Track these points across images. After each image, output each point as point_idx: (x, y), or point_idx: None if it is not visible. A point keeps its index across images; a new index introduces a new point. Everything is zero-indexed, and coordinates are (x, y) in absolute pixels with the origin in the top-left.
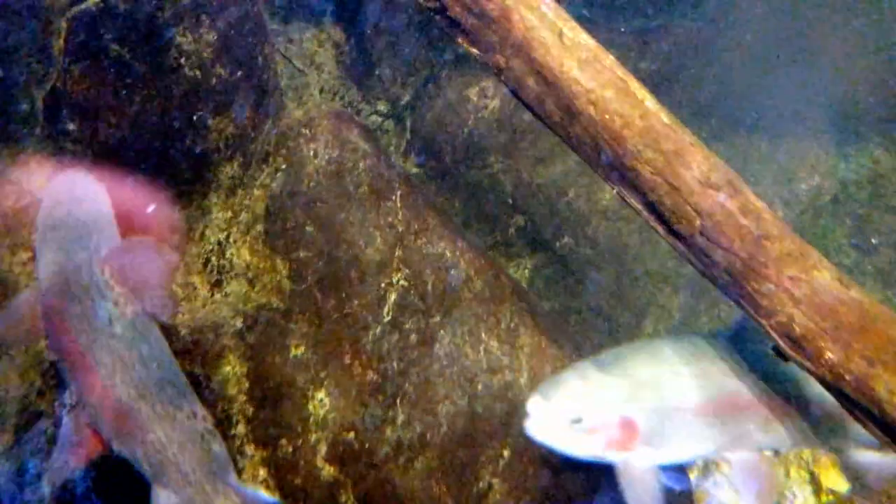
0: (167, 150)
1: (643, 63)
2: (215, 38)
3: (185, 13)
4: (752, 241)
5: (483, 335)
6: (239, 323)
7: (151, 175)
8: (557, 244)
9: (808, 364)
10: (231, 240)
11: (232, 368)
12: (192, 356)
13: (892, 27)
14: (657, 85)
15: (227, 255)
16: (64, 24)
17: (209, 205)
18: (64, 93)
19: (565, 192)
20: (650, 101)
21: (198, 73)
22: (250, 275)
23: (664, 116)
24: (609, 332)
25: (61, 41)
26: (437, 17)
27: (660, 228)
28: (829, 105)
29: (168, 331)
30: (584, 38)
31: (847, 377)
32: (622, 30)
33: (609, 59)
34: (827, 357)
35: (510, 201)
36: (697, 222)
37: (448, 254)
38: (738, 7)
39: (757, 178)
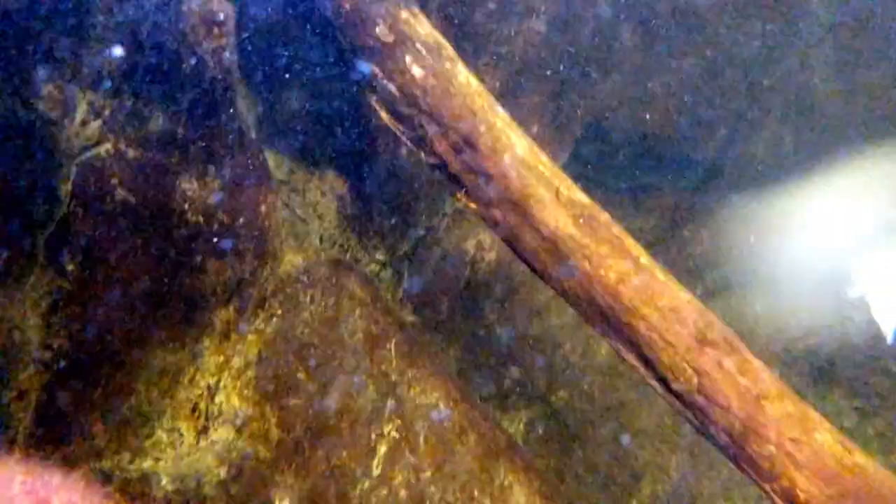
0: (164, 293)
1: (637, 221)
2: (220, 185)
3: (193, 161)
4: (751, 401)
5: (476, 493)
6: (223, 472)
7: (145, 317)
8: (553, 398)
9: None
10: (221, 385)
11: None
12: None
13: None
14: (651, 243)
15: (217, 400)
16: (74, 169)
17: (201, 348)
18: (67, 233)
19: (561, 345)
20: (645, 258)
21: (200, 218)
22: (238, 422)
23: (659, 273)
24: (605, 492)
25: (69, 184)
26: (438, 173)
27: (657, 385)
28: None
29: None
30: (580, 196)
31: None
32: (617, 188)
33: (604, 217)
34: None
35: (505, 353)
36: (695, 380)
37: (442, 405)
38: (728, 170)
39: (752, 336)
